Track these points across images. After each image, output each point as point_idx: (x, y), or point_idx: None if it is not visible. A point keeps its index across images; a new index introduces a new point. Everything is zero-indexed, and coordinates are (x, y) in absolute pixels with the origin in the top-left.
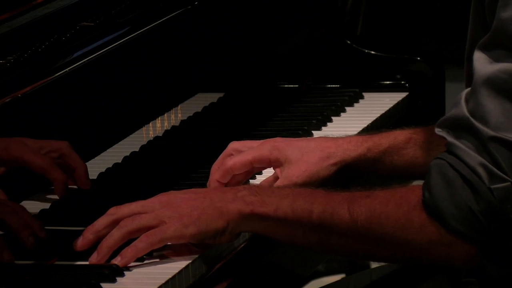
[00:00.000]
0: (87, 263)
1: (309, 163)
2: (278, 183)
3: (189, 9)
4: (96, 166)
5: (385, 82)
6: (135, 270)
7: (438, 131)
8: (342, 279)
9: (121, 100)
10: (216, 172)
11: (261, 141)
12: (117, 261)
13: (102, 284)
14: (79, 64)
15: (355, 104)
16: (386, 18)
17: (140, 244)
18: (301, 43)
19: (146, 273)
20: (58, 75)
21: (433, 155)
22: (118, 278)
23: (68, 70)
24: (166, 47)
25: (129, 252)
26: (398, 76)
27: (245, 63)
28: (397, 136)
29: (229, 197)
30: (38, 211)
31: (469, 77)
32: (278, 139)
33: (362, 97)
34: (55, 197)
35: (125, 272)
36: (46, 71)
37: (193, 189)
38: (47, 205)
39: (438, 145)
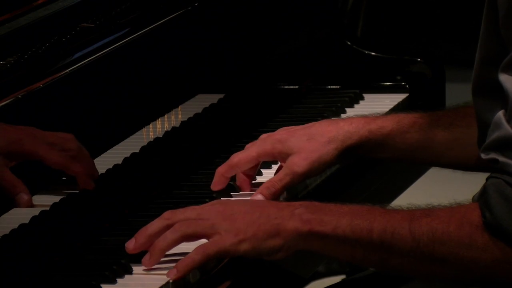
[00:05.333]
0: None
1: (310, 150)
2: (280, 173)
3: (190, 10)
4: (97, 167)
5: (386, 83)
6: (135, 271)
7: (484, 155)
8: (343, 280)
9: (122, 101)
10: (222, 166)
11: (264, 135)
12: (172, 273)
13: (103, 285)
14: (79, 65)
15: (355, 105)
16: (387, 19)
17: (197, 256)
18: (301, 44)
19: (146, 274)
20: (58, 76)
21: (437, 141)
22: (118, 279)
23: (68, 71)
24: (166, 48)
25: (185, 265)
26: (399, 77)
27: (245, 64)
28: (401, 120)
29: (286, 214)
30: (38, 212)
31: (479, 84)
32: (280, 131)
33: (362, 98)
34: (55, 198)
35: (125, 273)
36: (46, 72)
37: (249, 201)
38: (47, 206)
39: (444, 130)
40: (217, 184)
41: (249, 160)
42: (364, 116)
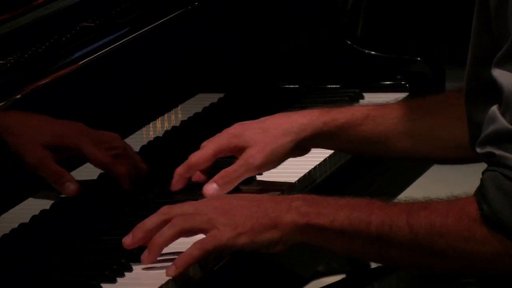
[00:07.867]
0: None
1: (264, 142)
2: (236, 164)
3: (189, 9)
4: None
5: (386, 83)
6: (135, 271)
7: (480, 150)
8: (343, 279)
9: (122, 101)
10: (180, 167)
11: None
12: (171, 270)
13: (103, 285)
14: (79, 65)
15: (356, 105)
16: (387, 19)
17: (195, 252)
18: (302, 44)
19: (146, 273)
20: (58, 75)
21: (389, 134)
22: (118, 279)
23: (69, 70)
24: (166, 47)
25: (183, 261)
26: (399, 77)
27: (245, 63)
28: (354, 112)
29: (283, 207)
30: (38, 211)
31: (472, 84)
32: (235, 126)
33: (362, 98)
34: (55, 198)
35: (125, 273)
36: (46, 72)
37: (247, 195)
38: (47, 206)
39: (396, 123)
40: (176, 184)
41: (207, 159)
42: (318, 109)
